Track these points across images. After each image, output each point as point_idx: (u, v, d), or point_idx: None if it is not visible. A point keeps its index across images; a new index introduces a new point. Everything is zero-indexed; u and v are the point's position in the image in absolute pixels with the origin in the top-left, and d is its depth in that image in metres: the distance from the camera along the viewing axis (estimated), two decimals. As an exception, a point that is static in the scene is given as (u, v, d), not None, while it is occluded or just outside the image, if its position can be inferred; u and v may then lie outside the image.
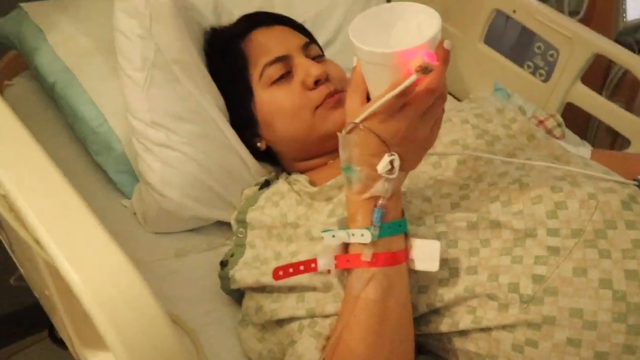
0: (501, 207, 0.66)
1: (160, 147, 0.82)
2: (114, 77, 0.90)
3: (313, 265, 0.63)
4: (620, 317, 0.57)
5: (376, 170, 0.58)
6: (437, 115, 0.59)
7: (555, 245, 0.61)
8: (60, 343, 0.96)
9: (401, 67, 0.54)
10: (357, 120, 0.58)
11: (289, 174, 0.90)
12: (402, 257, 0.61)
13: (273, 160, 0.92)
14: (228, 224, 0.87)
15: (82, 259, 0.45)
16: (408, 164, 0.60)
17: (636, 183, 0.68)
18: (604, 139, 1.69)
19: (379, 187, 0.59)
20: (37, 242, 0.48)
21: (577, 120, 1.28)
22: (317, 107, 0.81)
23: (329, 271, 0.63)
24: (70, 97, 0.92)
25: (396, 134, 0.57)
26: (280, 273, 0.65)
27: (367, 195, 0.59)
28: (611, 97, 1.67)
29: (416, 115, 0.57)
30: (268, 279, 0.71)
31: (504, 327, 0.61)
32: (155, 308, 0.44)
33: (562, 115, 1.23)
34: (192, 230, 0.89)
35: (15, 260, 0.75)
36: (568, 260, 0.60)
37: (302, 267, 0.64)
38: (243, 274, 0.74)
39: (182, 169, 0.82)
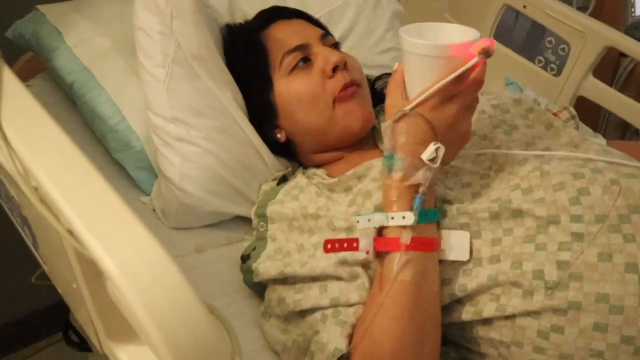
0: (522, 195, 0.66)
1: (180, 142, 0.82)
2: (131, 76, 0.92)
3: (355, 244, 0.66)
4: None
5: (419, 159, 0.61)
6: (475, 110, 0.64)
7: (579, 231, 0.62)
8: (74, 345, 0.96)
9: (453, 59, 0.60)
10: (409, 107, 0.62)
11: (305, 168, 0.91)
12: (436, 244, 0.64)
13: (290, 154, 0.93)
14: (246, 219, 0.88)
15: (117, 247, 0.45)
16: (447, 156, 0.63)
17: (659, 168, 0.68)
18: (614, 132, 1.69)
19: (421, 175, 0.62)
20: (70, 232, 0.49)
21: (587, 113, 1.28)
22: (335, 100, 0.81)
23: (367, 252, 0.64)
24: (89, 96, 0.93)
25: (445, 121, 0.62)
26: (329, 246, 0.68)
27: (408, 182, 0.62)
28: (621, 90, 1.67)
29: (463, 105, 0.62)
30: (292, 270, 0.72)
31: (528, 314, 0.62)
32: (192, 297, 0.43)
33: (574, 107, 1.24)
34: (210, 226, 0.89)
35: (38, 258, 0.75)
36: (592, 245, 0.61)
37: (345, 245, 0.67)
38: (267, 266, 0.74)
39: (202, 163, 0.83)
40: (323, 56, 0.83)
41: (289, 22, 0.90)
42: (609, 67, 1.61)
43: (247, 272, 0.77)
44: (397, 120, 0.63)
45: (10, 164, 0.54)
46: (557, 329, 0.60)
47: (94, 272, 0.49)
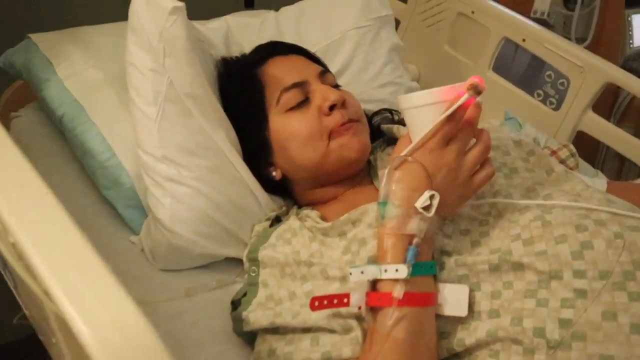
0: (523, 246, 0.64)
1: (170, 182, 0.80)
2: (123, 110, 0.90)
3: (345, 300, 0.63)
4: None
5: (414, 207, 0.60)
6: (479, 161, 0.64)
7: (582, 287, 0.60)
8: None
9: (446, 103, 0.61)
10: (406, 152, 0.63)
11: (300, 207, 0.89)
12: (432, 299, 0.62)
13: (285, 192, 0.91)
14: (238, 260, 0.85)
15: (94, 315, 0.43)
16: (445, 207, 0.62)
17: (663, 221, 0.66)
18: (612, 164, 1.68)
19: (414, 225, 0.61)
20: (47, 294, 0.46)
21: (586, 145, 1.27)
22: (331, 134, 0.80)
23: (359, 308, 0.61)
24: (79, 129, 0.91)
25: (442, 166, 0.62)
26: (316, 304, 0.65)
27: (401, 232, 0.61)
28: (620, 122, 1.67)
29: (461, 150, 0.62)
30: (283, 320, 0.70)
31: (529, 373, 0.59)
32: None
33: (572, 142, 1.23)
34: (201, 267, 0.86)
35: (19, 301, 0.72)
36: (596, 303, 0.58)
37: (335, 301, 0.64)
38: (257, 315, 0.72)
39: (192, 204, 0.80)
40: (321, 94, 0.82)
41: (287, 58, 0.89)
42: (608, 98, 1.61)
43: (237, 320, 0.74)
44: (396, 168, 0.63)
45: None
46: None
47: (72, 334, 0.46)
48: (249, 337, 0.75)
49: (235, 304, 0.77)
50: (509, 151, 0.78)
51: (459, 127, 0.61)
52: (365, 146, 0.83)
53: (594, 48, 1.61)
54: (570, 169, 1.07)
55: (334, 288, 0.69)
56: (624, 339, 0.56)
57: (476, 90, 0.60)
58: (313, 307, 0.65)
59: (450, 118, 0.60)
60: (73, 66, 0.96)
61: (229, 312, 0.77)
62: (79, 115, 0.92)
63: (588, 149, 1.46)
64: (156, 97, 0.79)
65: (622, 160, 1.64)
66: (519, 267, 0.63)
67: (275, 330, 0.71)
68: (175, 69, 0.79)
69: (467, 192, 0.65)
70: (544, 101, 1.29)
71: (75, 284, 0.45)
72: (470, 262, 0.65)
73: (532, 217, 0.67)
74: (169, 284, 0.82)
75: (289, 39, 1.06)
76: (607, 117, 1.65)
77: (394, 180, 0.62)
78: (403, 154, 0.63)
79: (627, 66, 1.65)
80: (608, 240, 0.61)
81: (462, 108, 0.60)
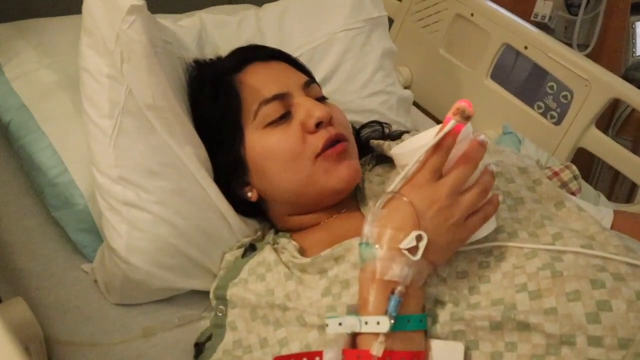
0: (529, 300, 0.57)
1: (128, 207, 0.70)
2: (79, 119, 0.78)
3: (317, 358, 0.55)
4: None
5: (397, 249, 0.54)
6: (476, 203, 0.57)
7: (599, 358, 0.52)
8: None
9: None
10: (392, 187, 0.57)
11: (277, 231, 0.80)
12: (420, 359, 0.54)
13: (260, 214, 0.81)
14: (204, 292, 0.76)
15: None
16: (435, 251, 0.56)
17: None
18: (606, 176, 1.62)
19: (397, 271, 0.54)
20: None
21: (582, 159, 1.19)
22: (317, 155, 0.71)
23: None
24: (26, 139, 0.80)
25: (433, 203, 0.55)
26: None
27: (383, 277, 0.54)
28: (618, 135, 1.60)
29: (455, 187, 0.56)
30: None
31: None
32: None
33: (572, 158, 1.15)
34: (161, 301, 0.77)
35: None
36: (614, 378, 0.50)
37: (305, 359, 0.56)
38: None
39: (153, 232, 0.71)
40: (305, 108, 0.73)
41: (267, 65, 0.79)
42: (606, 110, 1.54)
43: (199, 371, 0.65)
44: (383, 206, 0.57)
45: None
46: None
47: None
48: (213, 388, 0.66)
49: (200, 348, 0.69)
50: (513, 178, 0.70)
51: (447, 170, 0.57)
52: (356, 173, 0.74)
53: (596, 55, 1.55)
54: (573, 193, 0.99)
55: (311, 336, 0.61)
56: (646, 422, 0.49)
57: (463, 115, 0.54)
58: None
59: (437, 148, 0.55)
60: (23, 65, 0.86)
61: (191, 356, 0.69)
62: (27, 123, 0.81)
63: (584, 162, 1.39)
64: (113, 109, 0.69)
65: (615, 177, 1.58)
66: (524, 327, 0.55)
67: (242, 384, 0.62)
68: (134, 77, 0.68)
69: (461, 235, 0.57)
70: (544, 114, 1.21)
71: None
72: (468, 317, 0.57)
73: (540, 265, 0.59)
74: (125, 322, 0.73)
75: (270, 40, 0.96)
76: (605, 130, 1.60)
77: (377, 218, 0.56)
78: (389, 189, 0.57)
79: (629, 76, 1.59)
80: (629, 301, 0.54)
81: (449, 136, 0.55)
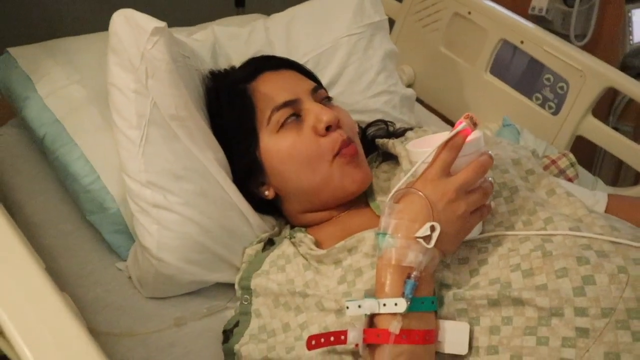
0: (522, 278, 0.62)
1: (157, 209, 0.77)
2: (107, 131, 0.86)
3: (343, 337, 0.61)
4: None
5: (413, 238, 0.59)
6: (478, 202, 0.64)
7: (584, 326, 0.57)
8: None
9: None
10: (402, 181, 0.63)
11: (292, 227, 0.86)
12: (432, 336, 0.60)
13: (276, 211, 0.88)
14: (229, 285, 0.83)
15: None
16: (445, 242, 0.61)
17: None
18: (610, 166, 1.66)
19: (412, 257, 0.59)
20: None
21: (584, 148, 1.24)
22: (335, 156, 0.78)
23: (356, 345, 0.60)
24: (61, 151, 0.88)
25: (443, 195, 0.61)
26: (313, 343, 0.62)
27: (400, 263, 0.59)
28: (618, 122, 1.64)
29: (463, 185, 0.62)
30: (276, 355, 0.68)
31: (529, 414, 0.57)
32: None
33: (571, 146, 1.20)
34: (191, 293, 0.84)
35: None
36: (599, 343, 0.56)
37: (332, 338, 0.62)
38: (250, 348, 0.70)
39: (181, 231, 0.77)
40: (314, 114, 0.79)
41: (278, 74, 0.86)
42: (606, 97, 1.58)
43: (229, 354, 0.72)
44: (397, 201, 0.63)
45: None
46: None
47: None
48: (241, 370, 0.73)
49: (227, 334, 0.75)
50: (507, 169, 0.76)
51: (469, 170, 0.62)
52: (368, 178, 0.81)
53: (593, 45, 1.58)
54: (570, 179, 1.04)
55: (329, 320, 0.67)
56: (627, 381, 0.54)
57: (472, 121, 0.62)
58: (310, 347, 0.62)
59: (448, 146, 0.61)
60: (54, 82, 0.93)
61: (220, 342, 0.75)
62: (60, 136, 0.88)
63: (586, 152, 1.44)
64: (140, 120, 0.76)
65: (619, 163, 1.62)
66: (518, 302, 0.61)
67: (267, 363, 0.69)
68: (158, 91, 0.75)
69: (466, 227, 0.64)
70: (542, 105, 1.26)
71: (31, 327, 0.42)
72: (468, 297, 0.63)
73: (532, 247, 0.65)
74: (158, 313, 0.80)
75: (278, 49, 1.02)
76: (606, 117, 1.64)
77: (395, 212, 0.61)
78: (401, 182, 0.64)
79: (627, 63, 1.62)
80: (611, 275, 0.59)
81: (459, 136, 0.61)
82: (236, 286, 0.78)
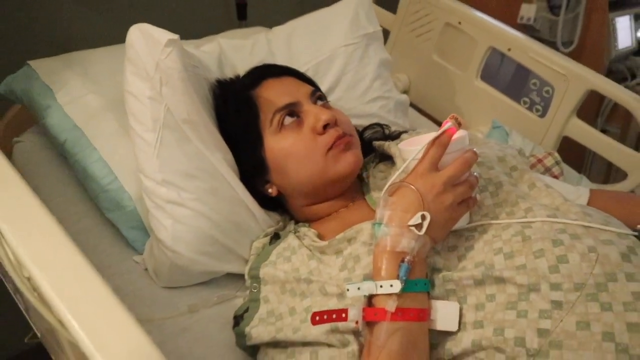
0: (504, 260, 0.69)
1: (171, 205, 0.84)
2: (123, 135, 0.93)
3: (344, 315, 0.67)
4: None
5: (406, 227, 0.65)
6: (464, 194, 0.70)
7: (559, 299, 0.63)
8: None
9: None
10: (395, 176, 0.69)
11: (297, 222, 0.93)
12: (425, 315, 0.66)
13: (280, 207, 0.95)
14: (237, 275, 0.89)
15: (107, 344, 0.47)
16: (435, 230, 0.67)
17: (635, 234, 0.70)
18: (600, 166, 1.71)
19: (405, 244, 0.65)
20: (62, 324, 0.50)
21: (573, 149, 1.30)
22: (328, 150, 0.84)
23: (357, 324, 0.65)
24: (80, 155, 0.95)
25: (432, 187, 0.67)
26: (317, 318, 0.69)
27: (394, 249, 0.65)
28: (606, 124, 1.70)
29: (451, 179, 0.68)
30: (284, 335, 0.73)
31: (512, 379, 0.63)
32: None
33: (559, 147, 1.27)
34: (202, 284, 0.90)
35: (31, 323, 0.76)
36: (571, 314, 0.62)
37: (334, 316, 0.68)
38: (259, 330, 0.75)
39: (193, 225, 0.84)
40: (313, 114, 0.86)
41: (279, 80, 0.92)
42: (594, 101, 1.65)
43: (240, 335, 0.78)
44: (391, 194, 0.69)
45: (3, 253, 0.55)
46: None
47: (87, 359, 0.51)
48: (251, 351, 0.79)
49: (238, 319, 0.81)
50: (493, 166, 0.82)
51: (456, 164, 0.69)
52: (358, 159, 0.87)
53: (579, 51, 1.65)
54: (555, 176, 1.11)
55: (332, 304, 0.73)
56: (596, 346, 0.60)
57: (457, 121, 0.69)
58: (314, 322, 0.69)
59: (435, 143, 0.68)
60: (72, 92, 0.99)
61: (230, 327, 0.81)
62: (79, 141, 0.95)
63: (575, 152, 1.50)
64: (155, 124, 0.83)
65: (609, 162, 1.68)
66: (500, 280, 0.67)
67: (276, 344, 0.75)
68: (171, 98, 0.83)
69: (453, 216, 0.70)
70: (530, 108, 1.32)
71: (87, 315, 0.49)
72: (456, 278, 0.69)
73: (513, 232, 0.71)
74: (173, 301, 0.86)
75: (280, 59, 1.10)
76: (594, 120, 1.69)
77: (389, 204, 0.67)
78: (393, 177, 0.70)
79: (612, 68, 1.69)
80: (582, 254, 0.65)
81: (445, 135, 0.68)
82: (246, 276, 0.85)
